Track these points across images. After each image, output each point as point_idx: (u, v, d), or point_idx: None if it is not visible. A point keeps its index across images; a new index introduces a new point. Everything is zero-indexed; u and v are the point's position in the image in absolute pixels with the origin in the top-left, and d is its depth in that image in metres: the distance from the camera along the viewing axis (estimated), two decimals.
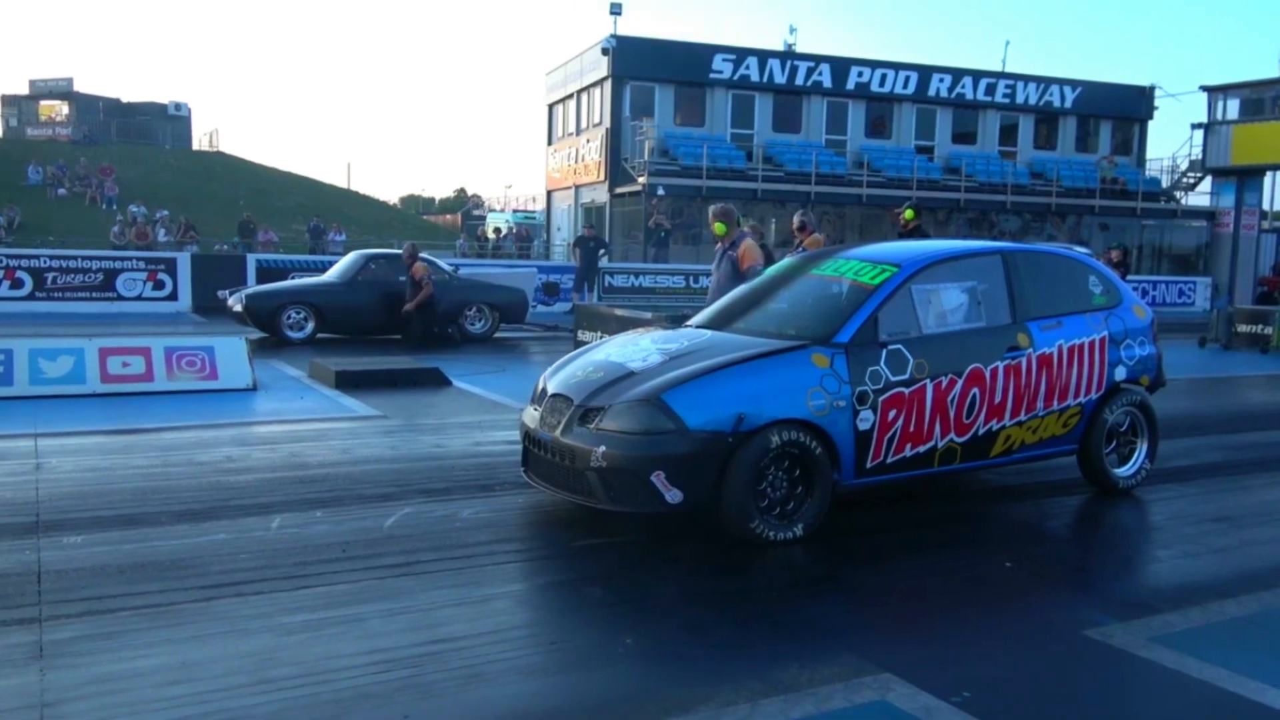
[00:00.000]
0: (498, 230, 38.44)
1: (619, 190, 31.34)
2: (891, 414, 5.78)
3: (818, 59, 33.32)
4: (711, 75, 32.12)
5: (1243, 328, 18.60)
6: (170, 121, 54.21)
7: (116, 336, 11.49)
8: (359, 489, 6.47)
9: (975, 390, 6.09)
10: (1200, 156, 35.30)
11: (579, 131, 34.88)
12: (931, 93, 34.61)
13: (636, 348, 6.19)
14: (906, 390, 5.83)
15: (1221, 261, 35.16)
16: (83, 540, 5.33)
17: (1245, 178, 34.58)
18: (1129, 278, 18.17)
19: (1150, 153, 38.91)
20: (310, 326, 15.07)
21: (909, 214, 11.62)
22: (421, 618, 4.41)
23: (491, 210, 54.66)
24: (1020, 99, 35.72)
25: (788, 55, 33.38)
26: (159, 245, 26.40)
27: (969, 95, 35.09)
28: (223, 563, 5.01)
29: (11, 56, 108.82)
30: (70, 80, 52.49)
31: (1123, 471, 6.91)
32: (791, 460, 5.51)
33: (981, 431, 6.17)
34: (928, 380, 5.90)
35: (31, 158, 41.92)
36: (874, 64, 33.97)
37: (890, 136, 34.76)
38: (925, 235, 11.34)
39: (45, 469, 6.87)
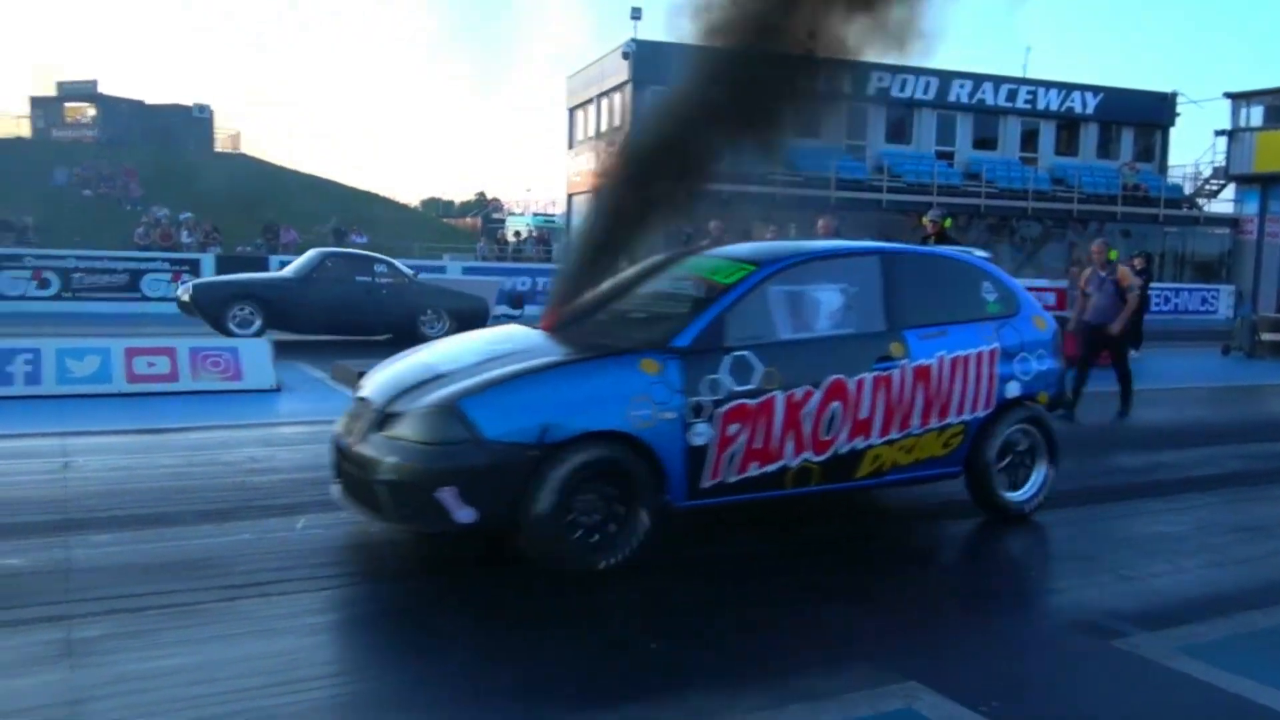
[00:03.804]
0: (518, 233, 38.51)
1: None
2: (733, 428, 5.16)
3: (838, 64, 33.19)
4: None
5: (1266, 336, 18.42)
6: (193, 124, 54.50)
7: (142, 337, 11.58)
8: None
9: (836, 404, 5.45)
10: (1224, 164, 35.07)
11: (599, 135, 34.92)
12: (952, 98, 34.48)
13: (465, 347, 5.69)
14: (752, 402, 5.21)
15: (1245, 269, 34.90)
16: (109, 539, 5.35)
17: (1269, 185, 34.32)
18: (1151, 285, 17.98)
19: (1172, 159, 38.64)
20: (258, 322, 14.45)
21: (947, 222, 11.38)
22: None
23: (512, 213, 54.75)
24: (1041, 105, 35.55)
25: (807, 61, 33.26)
26: (182, 246, 26.56)
27: (990, 101, 34.95)
28: (247, 563, 5.03)
29: (37, 58, 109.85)
30: (95, 82, 52.90)
31: (1016, 496, 6.23)
32: (609, 478, 4.89)
33: (844, 450, 5.52)
34: (778, 391, 5.28)
35: (59, 159, 42.28)
36: (894, 69, 33.83)
37: (910, 142, 34.66)
38: (953, 244, 11.10)
39: (73, 468, 6.91)
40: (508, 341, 5.67)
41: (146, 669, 3.85)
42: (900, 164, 33.33)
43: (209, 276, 15.74)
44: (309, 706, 3.59)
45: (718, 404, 5.10)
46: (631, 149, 6.29)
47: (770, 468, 5.32)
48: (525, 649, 4.16)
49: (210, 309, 14.47)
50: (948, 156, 34.72)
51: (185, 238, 28.17)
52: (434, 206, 70.32)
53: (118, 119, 51.19)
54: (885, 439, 5.64)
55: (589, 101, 35.79)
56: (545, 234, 38.43)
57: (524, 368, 5.03)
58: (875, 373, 5.58)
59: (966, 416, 5.94)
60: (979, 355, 5.98)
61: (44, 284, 19.75)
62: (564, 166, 39.20)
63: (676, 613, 4.65)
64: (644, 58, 30.88)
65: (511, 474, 4.69)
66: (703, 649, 4.22)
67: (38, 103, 53.01)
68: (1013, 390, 6.12)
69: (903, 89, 33.80)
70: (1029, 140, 36.05)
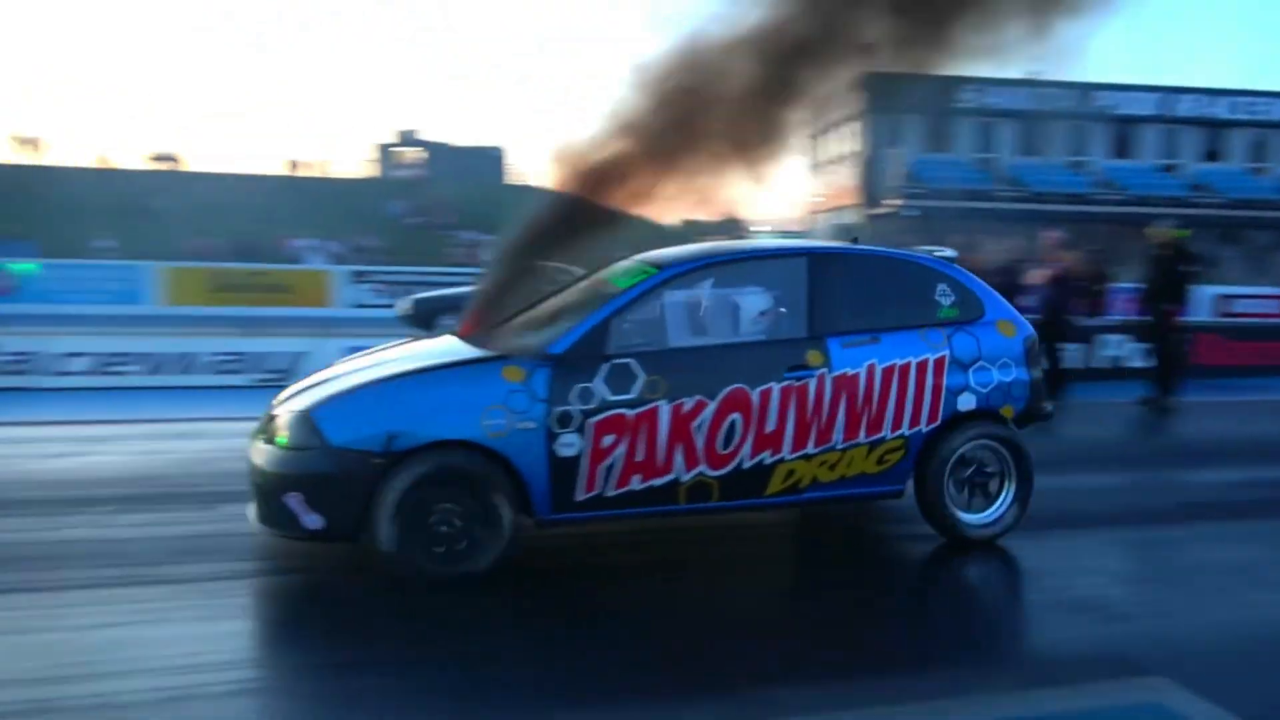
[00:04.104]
0: None
1: (873, 212, 30.55)
2: (607, 439, 4.39)
3: (1060, 84, 31.04)
4: (958, 104, 30.66)
5: None
6: (490, 161, 57.98)
7: None
8: None
9: (735, 415, 4.56)
10: None
11: (836, 159, 34.30)
12: (1176, 112, 31.50)
13: (375, 356, 5.10)
14: (630, 412, 4.41)
15: None
16: None
17: None
18: None
19: None
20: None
21: (1181, 233, 10.17)
22: None
23: (759, 229, 54.58)
24: (1273, 116, 31.83)
25: (1030, 83, 31.31)
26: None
27: (1215, 114, 31.65)
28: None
29: (373, 111, 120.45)
30: (421, 130, 57.44)
31: (974, 518, 5.02)
32: (463, 489, 4.27)
33: (747, 465, 4.60)
34: (663, 401, 4.45)
35: (395, 194, 46.08)
36: (1117, 87, 31.27)
37: (1134, 156, 31.93)
38: (1191, 258, 9.93)
39: None
40: (417, 348, 5.13)
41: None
42: (1124, 178, 30.77)
43: (425, 293, 16.11)
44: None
45: (588, 414, 4.37)
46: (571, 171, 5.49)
47: (657, 481, 4.50)
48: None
49: (424, 320, 14.31)
50: (1172, 169, 31.75)
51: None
52: (694, 227, 71.36)
53: (439, 159, 55.14)
54: (800, 454, 4.67)
55: (826, 127, 35.14)
56: None
57: (378, 375, 4.50)
58: (785, 383, 4.64)
59: (905, 431, 4.84)
60: (921, 364, 4.88)
61: (385, 294, 21.55)
62: (806, 186, 38.73)
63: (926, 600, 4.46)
64: (874, 86, 30.00)
65: (356, 481, 4.17)
66: (952, 625, 4.02)
67: (381, 149, 58.00)
68: (966, 403, 4.95)
69: (1125, 105, 31.22)
70: (1257, 151, 32.38)
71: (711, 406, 4.51)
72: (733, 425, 4.55)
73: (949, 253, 5.34)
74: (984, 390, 4.98)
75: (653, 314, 4.73)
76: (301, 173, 53.27)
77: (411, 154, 57.52)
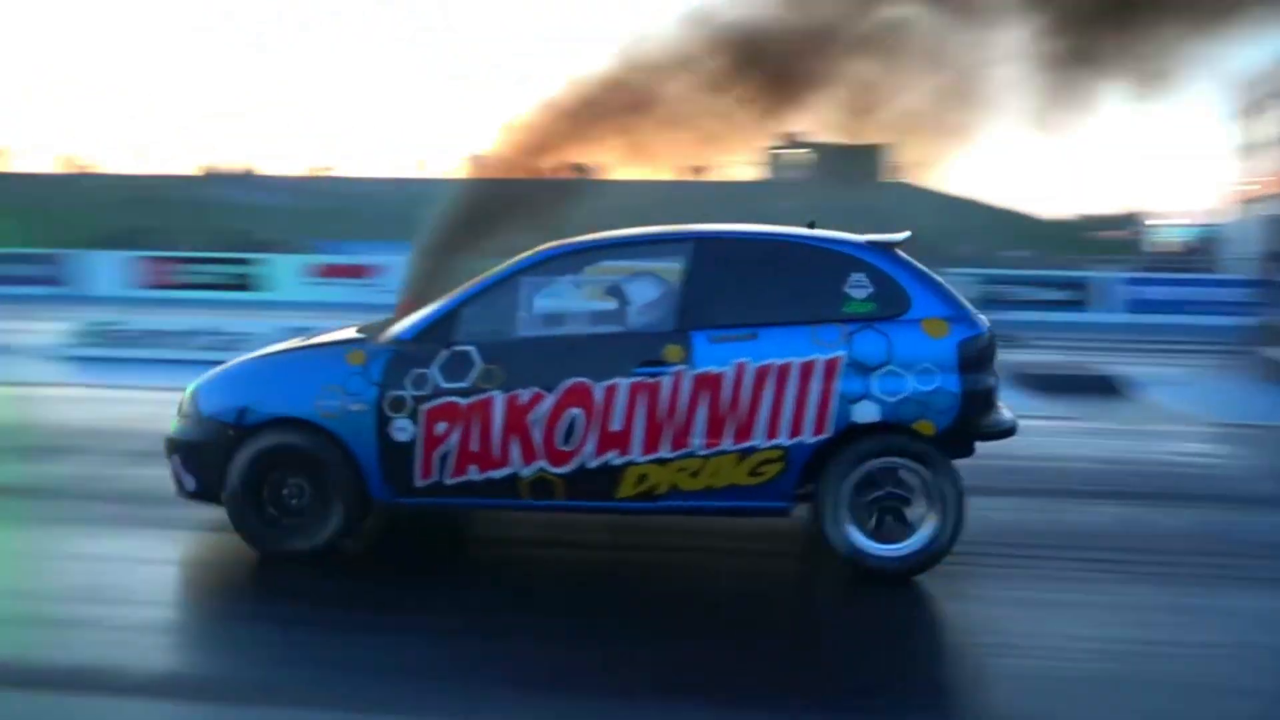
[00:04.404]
0: (1182, 242, 34.24)
1: None
2: (440, 427, 4.33)
3: None
4: None
5: None
6: (870, 160, 57.25)
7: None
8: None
9: (576, 411, 4.27)
10: None
11: (1274, 141, 29.56)
12: None
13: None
14: (462, 401, 4.31)
15: None
16: None
17: None
18: None
19: None
20: None
21: None
22: None
23: (1164, 224, 48.66)
24: None
25: None
26: None
27: None
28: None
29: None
30: (807, 132, 58.16)
31: (880, 549, 4.26)
32: (306, 465, 4.43)
33: (592, 465, 4.29)
34: (498, 392, 4.30)
35: (783, 195, 47.43)
36: None
37: None
38: None
39: None
40: (315, 336, 5.26)
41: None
42: None
43: None
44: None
45: (420, 400, 4.34)
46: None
47: (495, 474, 4.36)
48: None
49: None
50: None
51: None
52: (1086, 223, 65.25)
53: (825, 160, 55.69)
54: (652, 457, 4.28)
55: (1264, 100, 30.29)
56: (1203, 244, 33.49)
57: (256, 354, 4.93)
58: (635, 379, 4.26)
59: (784, 441, 4.24)
60: (805, 365, 4.23)
61: None
62: (1230, 173, 33.87)
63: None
64: None
65: (215, 450, 4.51)
66: None
67: (766, 153, 59.93)
68: (866, 413, 4.22)
69: None
70: None
71: (549, 400, 4.33)
72: (572, 421, 4.33)
73: (897, 237, 4.61)
74: (891, 400, 4.24)
75: (505, 302, 4.61)
76: (701, 177, 56.47)
77: (798, 156, 58.54)
